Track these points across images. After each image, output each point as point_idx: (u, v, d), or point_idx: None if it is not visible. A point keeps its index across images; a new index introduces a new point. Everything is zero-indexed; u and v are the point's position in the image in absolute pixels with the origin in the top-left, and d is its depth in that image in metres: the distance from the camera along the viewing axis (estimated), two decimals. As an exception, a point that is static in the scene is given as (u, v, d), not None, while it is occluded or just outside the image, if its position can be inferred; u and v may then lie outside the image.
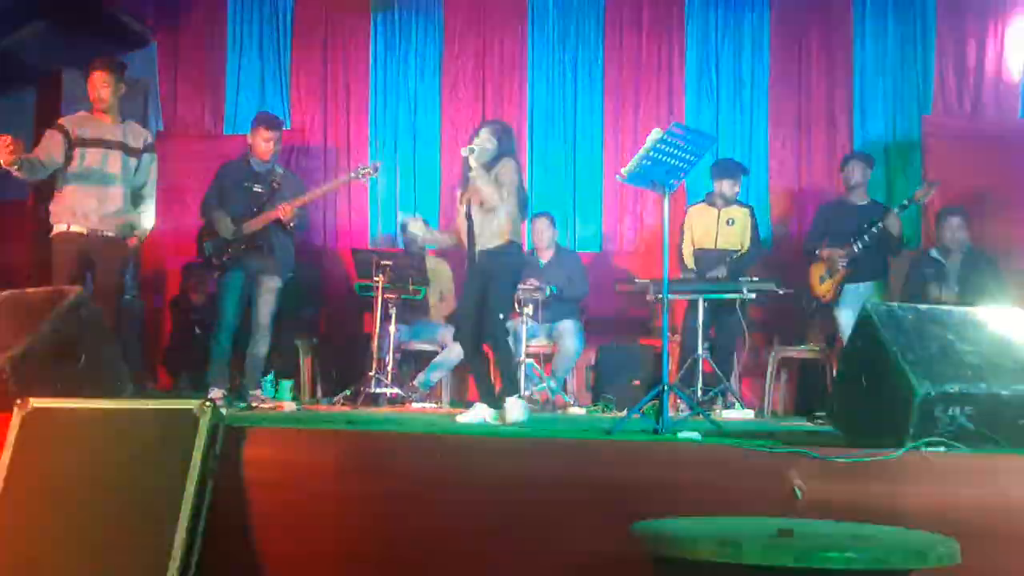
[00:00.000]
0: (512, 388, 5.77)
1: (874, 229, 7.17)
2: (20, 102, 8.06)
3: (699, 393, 7.02)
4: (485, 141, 5.74)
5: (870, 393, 4.02)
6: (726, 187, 7.72)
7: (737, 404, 7.20)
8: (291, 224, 6.80)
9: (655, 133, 5.02)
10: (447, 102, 9.40)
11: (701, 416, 5.31)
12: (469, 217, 5.79)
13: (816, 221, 7.82)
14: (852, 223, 7.36)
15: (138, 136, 6.41)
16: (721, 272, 7.55)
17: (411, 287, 7.87)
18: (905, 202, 7.30)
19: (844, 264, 7.31)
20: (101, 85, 6.25)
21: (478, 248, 5.74)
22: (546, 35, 9.35)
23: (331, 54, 9.56)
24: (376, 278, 7.66)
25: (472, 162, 5.67)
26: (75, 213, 6.16)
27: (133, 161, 6.33)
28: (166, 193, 9.11)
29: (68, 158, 6.15)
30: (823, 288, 7.41)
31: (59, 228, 6.18)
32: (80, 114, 6.34)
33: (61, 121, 6.27)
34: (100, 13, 8.23)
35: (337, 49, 9.56)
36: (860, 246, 7.22)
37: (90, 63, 6.33)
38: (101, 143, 6.22)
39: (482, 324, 5.68)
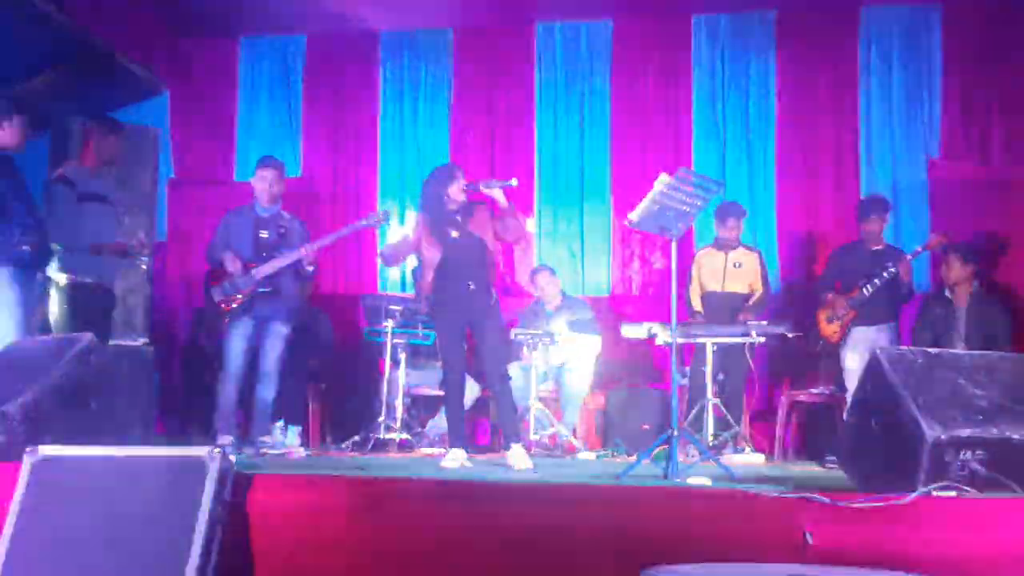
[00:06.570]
0: (518, 434, 5.77)
1: (885, 275, 7.16)
2: (33, 149, 8.12)
3: (709, 437, 7.00)
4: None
5: (881, 437, 4.00)
6: (723, 229, 7.77)
7: (747, 448, 7.18)
8: (309, 267, 6.79)
9: (663, 178, 5.05)
10: (455, 149, 9.44)
11: (711, 461, 5.29)
12: (452, 252, 5.77)
13: (829, 264, 7.83)
14: (864, 267, 7.35)
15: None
16: (740, 318, 7.56)
17: (420, 332, 7.88)
18: (918, 249, 7.30)
19: (846, 309, 7.31)
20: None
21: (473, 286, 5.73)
22: (554, 81, 9.40)
23: (341, 102, 9.63)
24: (386, 323, 7.67)
25: (501, 195, 5.69)
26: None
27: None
28: (176, 239, 9.24)
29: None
30: (830, 329, 7.39)
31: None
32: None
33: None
34: (112, 62, 8.30)
35: (347, 97, 9.64)
36: (869, 290, 7.22)
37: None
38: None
39: (479, 367, 5.67)
